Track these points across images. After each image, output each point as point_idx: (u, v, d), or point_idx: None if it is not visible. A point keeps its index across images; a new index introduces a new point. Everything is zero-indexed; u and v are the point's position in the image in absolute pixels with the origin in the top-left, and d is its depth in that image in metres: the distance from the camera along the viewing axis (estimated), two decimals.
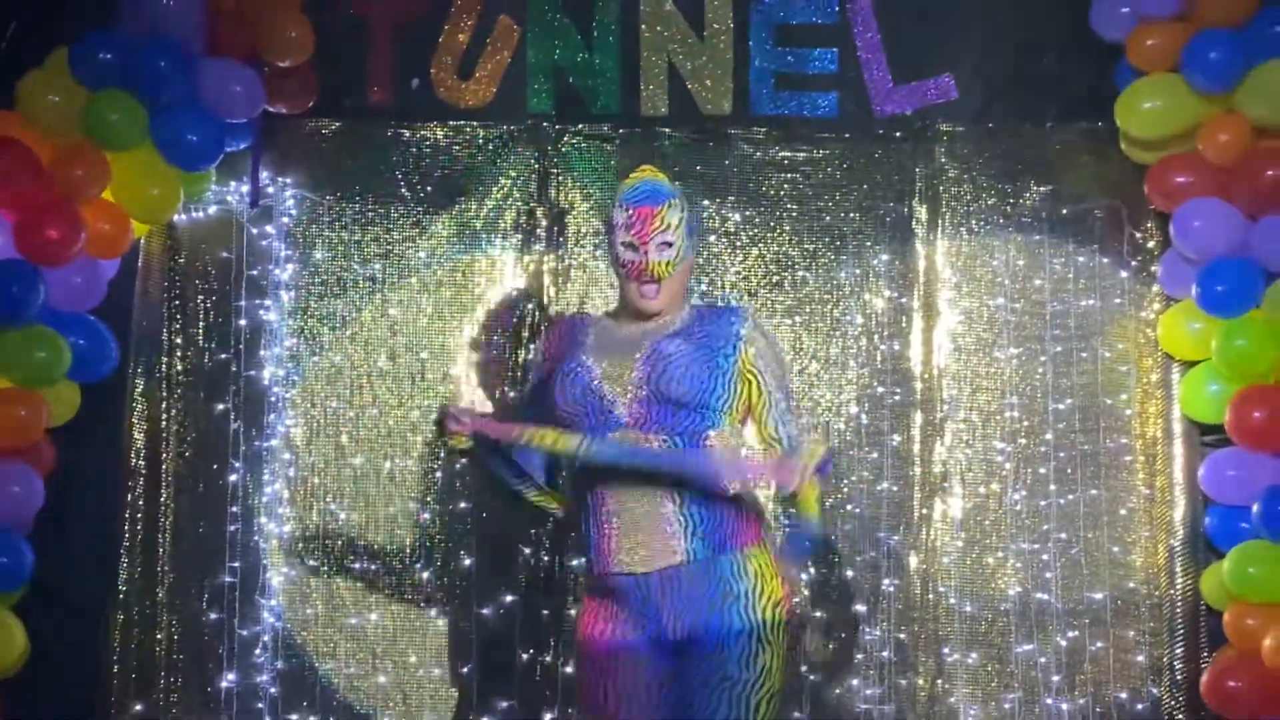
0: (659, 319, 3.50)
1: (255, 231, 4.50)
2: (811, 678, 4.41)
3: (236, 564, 4.39)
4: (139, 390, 4.41)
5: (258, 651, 4.37)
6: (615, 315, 3.62)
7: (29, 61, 4.19)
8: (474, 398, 4.45)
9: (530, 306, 4.49)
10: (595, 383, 3.43)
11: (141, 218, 4.31)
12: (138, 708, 4.31)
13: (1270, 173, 4.18)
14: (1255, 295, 4.23)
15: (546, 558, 4.40)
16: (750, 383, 3.49)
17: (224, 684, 4.35)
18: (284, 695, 4.37)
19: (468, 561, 4.41)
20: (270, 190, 4.50)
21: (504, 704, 4.37)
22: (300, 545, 4.45)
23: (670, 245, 3.44)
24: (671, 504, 3.35)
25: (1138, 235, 4.56)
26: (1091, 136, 4.53)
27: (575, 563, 4.29)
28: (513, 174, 4.54)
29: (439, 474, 4.48)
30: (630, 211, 3.45)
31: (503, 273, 4.52)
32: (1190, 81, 4.23)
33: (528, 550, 4.40)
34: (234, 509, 4.41)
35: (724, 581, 3.35)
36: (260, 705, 4.35)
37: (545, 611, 4.39)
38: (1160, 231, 4.48)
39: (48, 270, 4.05)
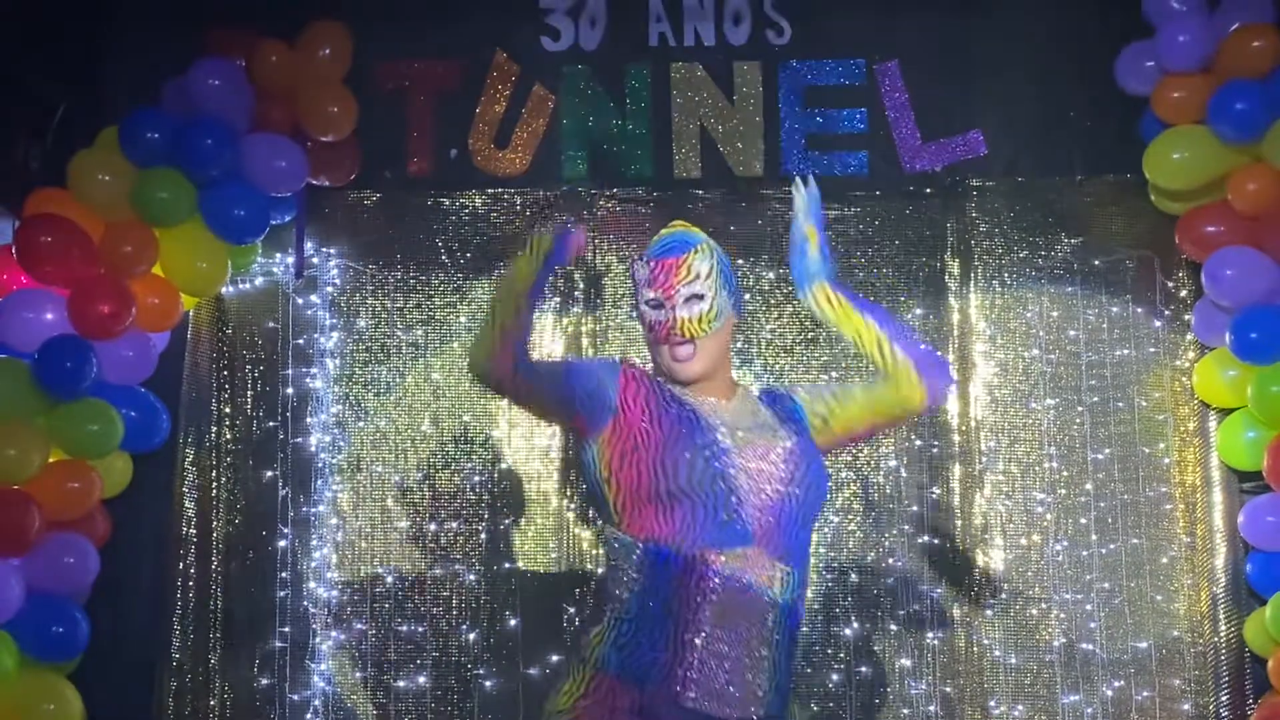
0: (729, 401, 3.03)
1: (300, 301, 4.54)
2: None
3: (287, 629, 4.41)
4: (189, 459, 4.44)
5: (309, 716, 4.39)
6: (660, 372, 3.09)
7: (79, 141, 4.24)
8: (514, 460, 4.47)
9: None
10: (731, 471, 2.90)
11: (190, 291, 4.33)
12: None
13: None
14: None
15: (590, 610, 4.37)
16: (818, 414, 3.08)
17: None
18: None
19: (513, 622, 4.40)
20: (315, 260, 4.53)
21: None
22: (349, 610, 4.44)
23: (701, 298, 2.98)
24: (767, 650, 2.90)
25: (1170, 285, 4.55)
26: (1121, 188, 4.54)
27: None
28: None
29: (484, 535, 4.48)
30: (653, 265, 3.01)
31: (542, 335, 4.50)
32: (1217, 132, 4.22)
33: (572, 609, 4.38)
34: (283, 574, 4.43)
35: None
36: None
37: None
38: (1192, 280, 4.47)
39: (99, 344, 4.07)
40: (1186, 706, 4.41)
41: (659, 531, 2.87)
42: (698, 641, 2.83)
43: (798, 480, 2.91)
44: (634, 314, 4.40)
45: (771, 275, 4.56)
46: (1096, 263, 4.56)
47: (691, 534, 2.85)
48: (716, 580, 2.84)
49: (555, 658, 4.37)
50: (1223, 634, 4.38)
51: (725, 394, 3.02)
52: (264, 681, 4.38)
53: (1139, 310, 4.55)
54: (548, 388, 2.93)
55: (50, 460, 4.06)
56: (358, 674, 4.41)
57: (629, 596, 2.90)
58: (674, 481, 2.86)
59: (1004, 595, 4.46)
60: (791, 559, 2.89)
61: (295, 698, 4.37)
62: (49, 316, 4.10)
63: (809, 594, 3.33)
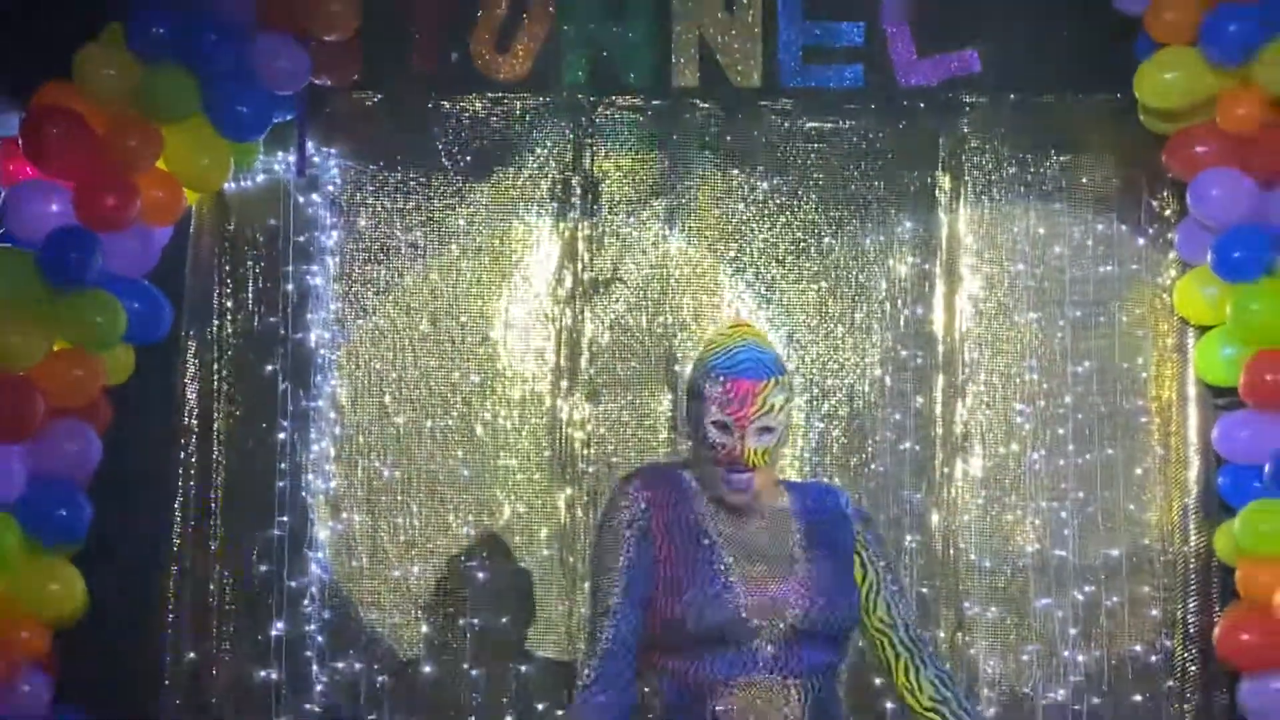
0: (760, 495, 2.93)
1: (302, 200, 4.51)
2: None
3: (285, 518, 4.40)
4: (191, 352, 4.43)
5: (305, 602, 4.38)
6: (705, 485, 2.97)
7: (84, 34, 4.20)
8: (510, 360, 4.47)
9: (566, 272, 4.50)
10: (743, 614, 2.84)
11: (193, 186, 4.33)
12: (191, 656, 4.34)
13: None
14: (1269, 262, 4.23)
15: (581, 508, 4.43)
16: (860, 569, 2.97)
17: (274, 633, 4.36)
18: (330, 644, 4.38)
19: (506, 514, 4.44)
20: (316, 160, 4.50)
21: (540, 653, 4.39)
22: (346, 501, 4.46)
23: (771, 431, 2.86)
24: None
25: (1155, 204, 4.55)
26: (1111, 108, 4.52)
27: None
28: (548, 144, 4.54)
29: (479, 432, 4.48)
30: (727, 385, 2.86)
31: (539, 239, 4.52)
32: (1208, 54, 4.21)
33: (562, 504, 4.42)
34: (282, 466, 4.42)
35: None
36: (308, 653, 4.36)
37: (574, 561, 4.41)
38: (1177, 200, 4.47)
39: (104, 237, 4.07)
40: (1155, 613, 4.45)
41: (672, 665, 2.86)
42: None
43: (814, 606, 2.83)
44: (635, 216, 4.47)
45: (765, 185, 4.54)
46: (1084, 180, 4.56)
47: (703, 668, 2.83)
48: (732, 708, 2.82)
49: (546, 551, 4.41)
50: (1193, 544, 4.44)
51: (760, 497, 2.93)
52: (263, 569, 4.38)
53: (1123, 228, 4.55)
54: (640, 628, 2.87)
55: (54, 349, 4.07)
56: (354, 563, 4.43)
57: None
58: (684, 628, 2.82)
59: (981, 501, 4.49)
60: (811, 676, 2.83)
61: (293, 585, 4.38)
62: (54, 208, 4.09)
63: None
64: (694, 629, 2.82)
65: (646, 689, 2.94)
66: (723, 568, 2.85)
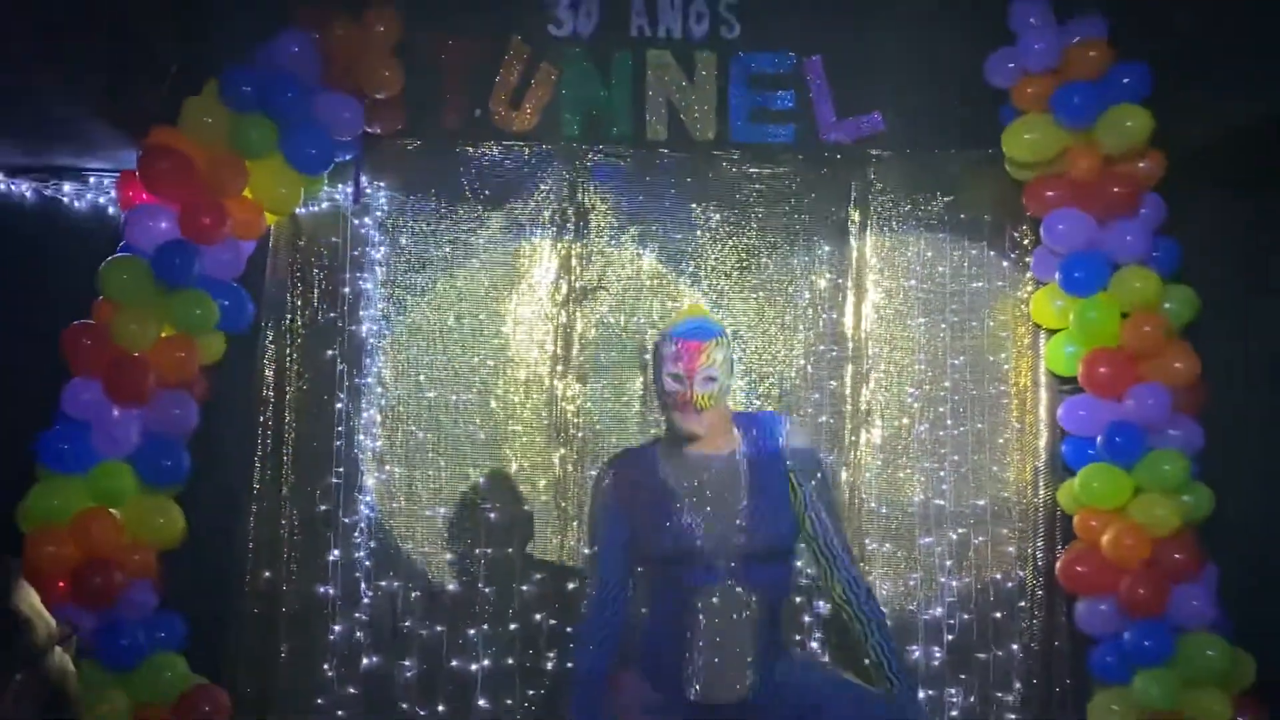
0: (717, 440, 3.04)
1: (356, 222, 4.49)
2: None
3: (340, 469, 4.39)
4: (269, 339, 4.41)
5: (355, 534, 4.38)
6: (672, 442, 3.12)
7: (188, 90, 4.22)
8: (517, 349, 4.46)
9: (562, 281, 4.48)
10: (698, 543, 2.97)
11: (272, 210, 4.33)
12: (266, 575, 4.33)
13: (1116, 190, 4.20)
14: (1104, 280, 4.25)
15: (571, 465, 4.42)
16: (793, 492, 3.07)
17: (330, 558, 4.36)
18: (375, 567, 4.38)
19: (514, 467, 4.43)
20: (368, 191, 4.49)
21: (537, 575, 4.36)
22: (388, 456, 4.44)
23: (714, 380, 2.99)
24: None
25: (1016, 235, 4.55)
26: (983, 160, 4.51)
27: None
28: (550, 182, 4.52)
29: (492, 404, 4.46)
30: (678, 345, 3.00)
31: (541, 256, 4.50)
32: (1059, 120, 4.24)
33: (558, 461, 4.41)
34: (339, 428, 4.40)
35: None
36: (357, 574, 4.36)
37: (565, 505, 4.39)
38: (1033, 232, 4.47)
39: (202, 249, 4.09)
40: (1011, 550, 4.46)
41: (655, 580, 3.01)
42: (693, 654, 2.94)
43: (756, 533, 2.92)
44: (616, 241, 4.44)
45: (717, 217, 4.52)
46: (962, 216, 4.55)
47: (677, 583, 2.96)
48: (700, 611, 2.94)
49: (544, 497, 4.40)
50: (1041, 497, 4.45)
51: (716, 444, 3.00)
52: (323, 508, 4.37)
53: (992, 253, 4.55)
54: (626, 569, 3.07)
55: (163, 335, 4.09)
56: (394, 505, 4.42)
57: (646, 622, 3.04)
58: (655, 551, 2.96)
59: (880, 462, 4.49)
60: (760, 589, 2.93)
61: (346, 520, 4.38)
62: (164, 225, 4.10)
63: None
64: (661, 553, 2.95)
65: (644, 608, 3.05)
66: (679, 507, 2.95)
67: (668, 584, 3.02)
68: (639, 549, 3.06)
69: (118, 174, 4.30)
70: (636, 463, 3.15)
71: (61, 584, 3.87)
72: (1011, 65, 4.33)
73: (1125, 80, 4.16)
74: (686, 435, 3.01)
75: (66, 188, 4.47)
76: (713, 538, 2.97)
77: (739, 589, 2.96)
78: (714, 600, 2.97)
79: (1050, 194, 4.34)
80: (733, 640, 2.96)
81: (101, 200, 4.47)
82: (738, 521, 2.97)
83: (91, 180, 4.49)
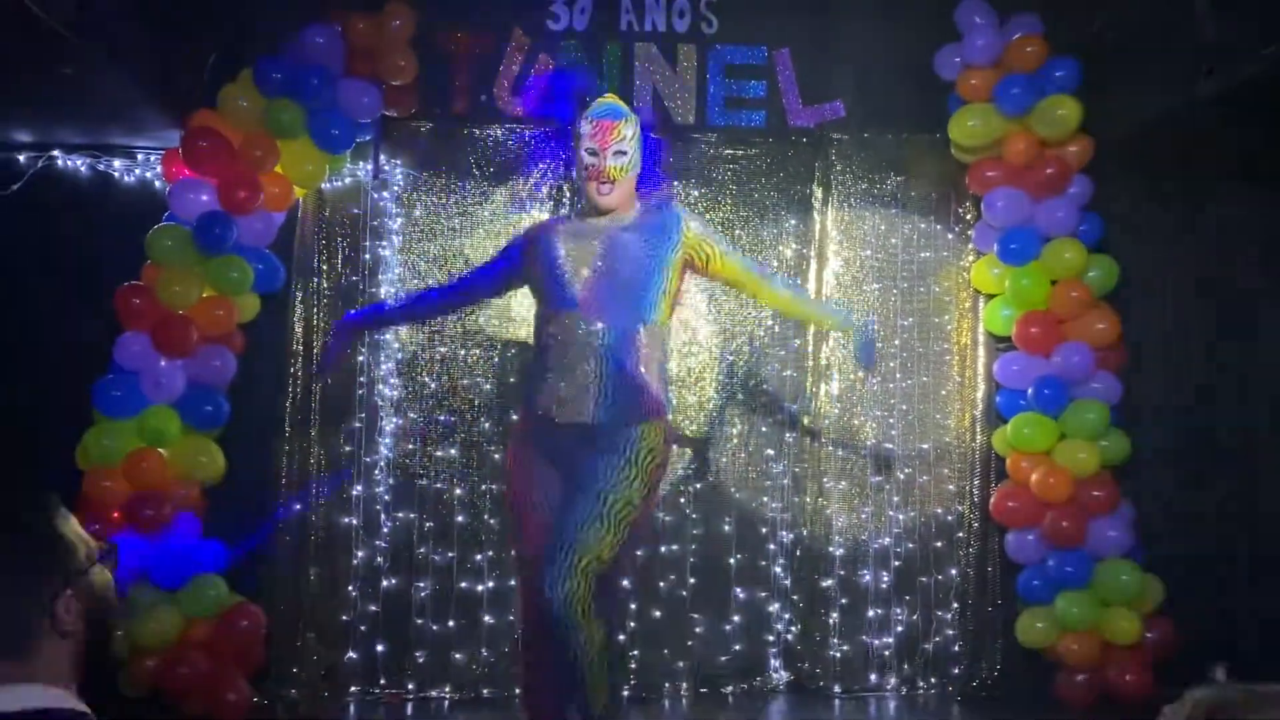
0: (616, 215, 3.05)
1: (375, 195, 4.49)
2: (736, 494, 4.45)
3: (362, 414, 4.41)
4: (298, 300, 4.42)
5: (376, 472, 4.40)
6: (581, 215, 3.16)
7: (225, 77, 4.25)
8: (517, 309, 4.39)
9: None
10: (559, 261, 3.00)
11: (300, 184, 4.36)
12: (297, 507, 4.35)
13: (1049, 171, 4.25)
14: (1036, 251, 4.31)
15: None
16: (703, 253, 3.04)
17: (354, 492, 4.39)
18: (394, 500, 4.40)
19: (514, 416, 4.35)
20: (386, 168, 4.48)
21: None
22: (403, 403, 4.44)
23: (625, 154, 2.98)
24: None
25: (960, 210, 4.59)
26: (931, 144, 4.53)
27: None
28: (546, 160, 4.50)
29: (496, 358, 4.46)
30: (593, 124, 2.99)
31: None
32: (999, 109, 4.29)
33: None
34: (361, 379, 4.41)
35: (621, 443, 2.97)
36: (377, 507, 4.40)
37: None
38: (975, 208, 4.52)
39: (238, 219, 4.12)
40: (951, 488, 4.55)
41: (536, 321, 3.13)
42: (549, 375, 2.99)
43: (611, 267, 2.94)
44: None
45: (696, 193, 4.53)
46: (913, 194, 4.58)
47: (544, 305, 3.05)
48: (555, 332, 3.02)
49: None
50: (979, 442, 4.52)
51: (622, 215, 3.04)
52: (346, 448, 4.40)
53: (938, 226, 4.58)
54: (487, 292, 3.26)
55: (204, 295, 4.13)
56: (409, 445, 4.42)
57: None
58: (539, 294, 3.08)
59: (838, 411, 4.53)
60: (611, 319, 2.94)
61: (367, 460, 4.40)
62: (204, 198, 4.13)
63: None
64: (530, 275, 3.08)
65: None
66: (558, 257, 3.03)
67: (543, 321, 3.10)
68: (536, 300, 3.12)
69: (163, 152, 4.32)
70: (543, 227, 3.21)
71: (116, 515, 3.96)
72: (957, 59, 4.38)
73: (1058, 74, 4.22)
74: (599, 208, 3.03)
75: (117, 164, 4.50)
76: (576, 264, 3.01)
77: (594, 318, 2.98)
78: (566, 324, 3.00)
79: (990, 174, 4.38)
80: (582, 363, 2.96)
81: (148, 175, 4.49)
82: (594, 245, 3.00)
83: (139, 157, 4.51)
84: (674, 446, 3.50)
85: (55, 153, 4.45)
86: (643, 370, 2.99)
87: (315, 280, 4.45)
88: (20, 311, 4.27)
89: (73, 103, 4.08)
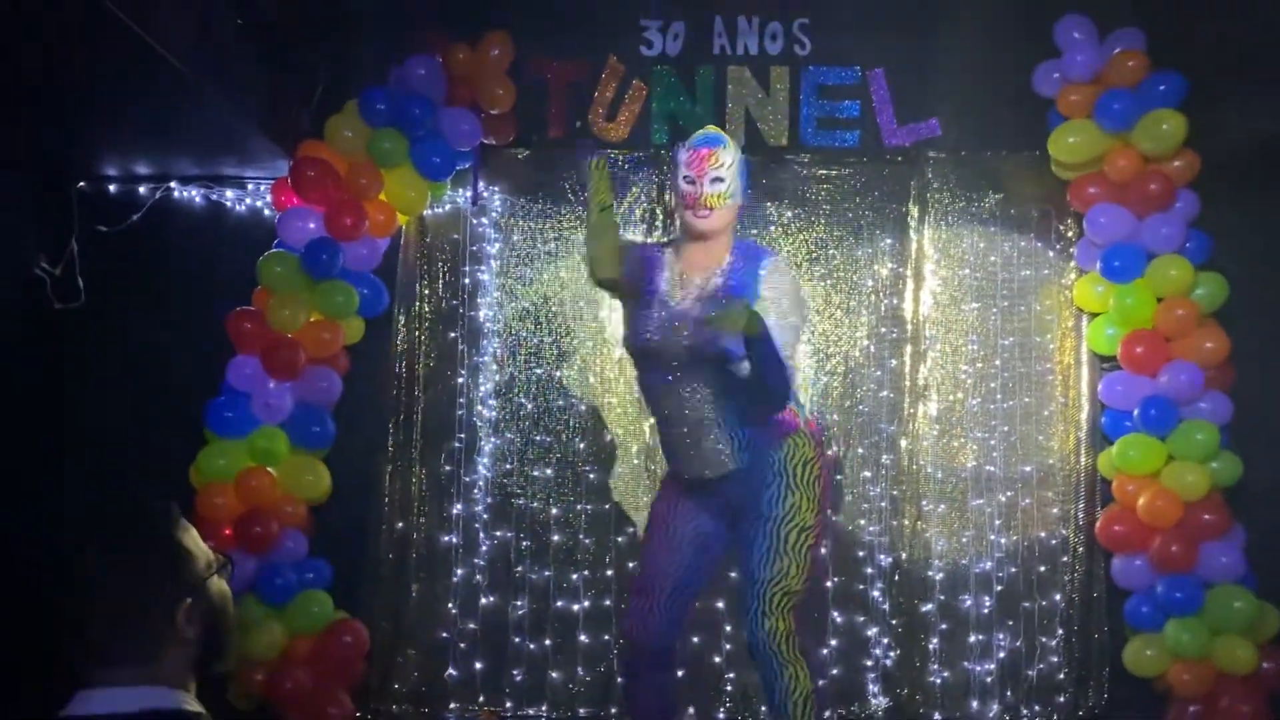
0: (711, 248, 2.94)
1: (475, 221, 4.56)
2: (833, 516, 4.38)
3: (462, 434, 4.47)
4: (400, 323, 4.48)
5: (475, 491, 4.45)
6: (677, 246, 3.03)
7: (332, 109, 4.36)
8: (613, 332, 4.42)
9: None
10: (669, 317, 2.91)
11: (403, 211, 4.43)
12: (399, 525, 4.42)
13: (1152, 187, 4.18)
14: (1141, 269, 4.24)
15: None
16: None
17: (454, 511, 4.45)
18: (491, 519, 4.46)
19: (608, 435, 4.47)
20: (484, 194, 4.53)
21: (630, 528, 4.38)
22: (502, 424, 4.50)
23: (722, 181, 2.90)
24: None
25: (1061, 228, 4.53)
26: (1031, 161, 4.49)
27: None
28: (641, 184, 4.53)
29: (590, 379, 4.51)
30: (690, 152, 2.94)
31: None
32: (1100, 125, 4.24)
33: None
34: (460, 400, 4.47)
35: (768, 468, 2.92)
36: (477, 526, 4.45)
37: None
38: (1077, 226, 4.46)
39: (344, 245, 4.21)
40: (1055, 511, 4.45)
41: (637, 369, 3.09)
42: (671, 440, 2.96)
43: (700, 336, 2.83)
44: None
45: (790, 214, 4.52)
46: (1012, 211, 4.53)
47: (641, 374, 3.01)
48: (656, 401, 2.98)
49: (635, 461, 4.39)
50: (1083, 464, 4.43)
51: (714, 256, 2.93)
52: (447, 468, 4.46)
53: (1039, 244, 4.52)
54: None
55: (311, 319, 4.23)
56: (507, 465, 4.47)
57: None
58: (629, 341, 3.01)
59: (936, 432, 4.48)
60: (710, 383, 2.85)
61: (467, 479, 4.46)
62: (311, 225, 4.25)
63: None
64: (631, 345, 2.99)
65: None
66: (662, 284, 2.95)
67: (644, 389, 3.05)
68: (625, 334, 3.02)
69: (272, 181, 4.42)
70: (646, 251, 3.07)
71: (227, 532, 4.07)
72: (1056, 76, 4.34)
73: (1161, 88, 4.16)
74: (695, 234, 2.94)
75: (229, 193, 4.61)
76: (664, 343, 2.90)
77: (685, 389, 2.89)
78: (666, 397, 2.94)
79: (1092, 191, 4.33)
80: (692, 428, 2.90)
81: (258, 204, 4.58)
82: (684, 329, 2.88)
83: (250, 187, 4.61)
84: (832, 447, 3.40)
85: (172, 184, 4.59)
86: (751, 393, 2.91)
87: (416, 304, 4.52)
88: (139, 334, 4.42)
89: (188, 136, 4.22)
